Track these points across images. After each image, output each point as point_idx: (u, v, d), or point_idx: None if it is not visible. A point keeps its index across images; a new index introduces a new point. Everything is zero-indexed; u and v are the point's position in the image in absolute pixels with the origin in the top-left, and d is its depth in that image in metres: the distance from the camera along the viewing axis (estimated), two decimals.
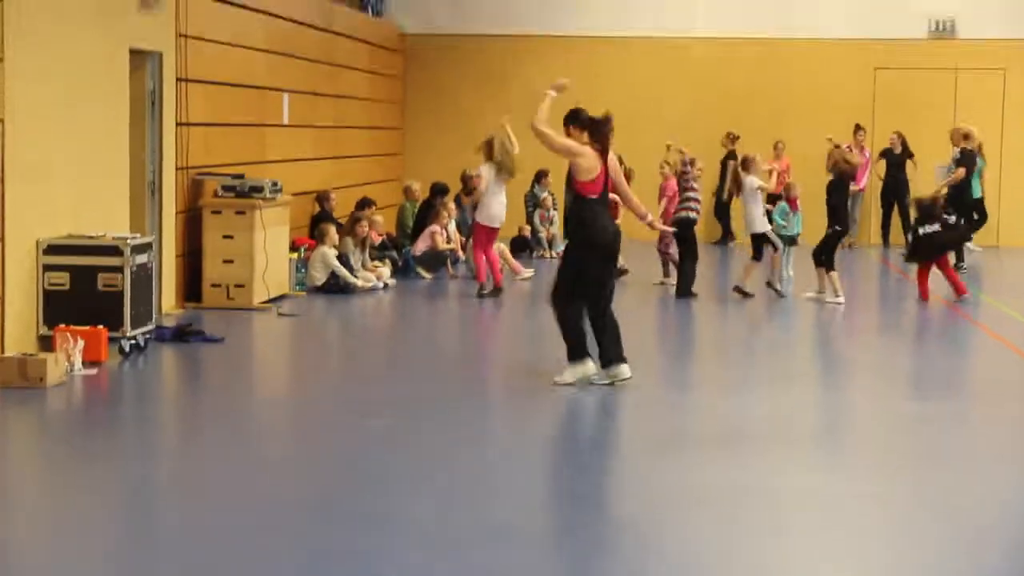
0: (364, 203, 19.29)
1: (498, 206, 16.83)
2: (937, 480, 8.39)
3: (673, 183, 17.53)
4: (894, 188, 24.15)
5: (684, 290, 16.66)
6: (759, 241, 16.94)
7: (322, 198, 18.48)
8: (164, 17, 14.28)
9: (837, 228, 16.50)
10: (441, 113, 25.44)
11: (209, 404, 10.54)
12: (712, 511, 7.51)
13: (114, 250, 11.81)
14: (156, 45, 14.20)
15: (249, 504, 7.47)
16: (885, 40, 24.73)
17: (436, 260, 18.89)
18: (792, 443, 9.36)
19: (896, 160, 24.25)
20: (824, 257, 16.47)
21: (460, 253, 19.28)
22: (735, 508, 7.54)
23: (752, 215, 17.00)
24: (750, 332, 15.09)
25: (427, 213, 20.28)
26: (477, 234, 17.05)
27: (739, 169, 17.60)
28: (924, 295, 16.48)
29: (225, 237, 15.03)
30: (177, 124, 14.68)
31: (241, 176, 15.52)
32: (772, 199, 23.90)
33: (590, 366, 10.85)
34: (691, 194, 16.94)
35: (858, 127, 24.19)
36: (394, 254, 18.64)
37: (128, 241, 11.90)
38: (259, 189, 15.19)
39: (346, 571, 6.37)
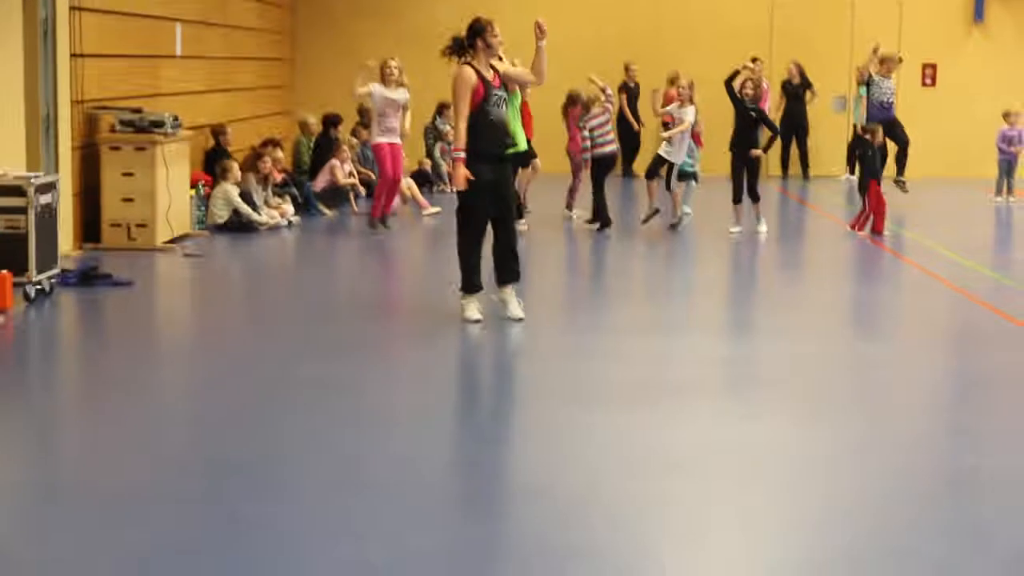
0: (270, 143, 18.48)
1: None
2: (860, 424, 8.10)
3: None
4: (794, 119, 23.97)
5: (605, 222, 16.38)
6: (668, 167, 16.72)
7: (217, 132, 17.73)
8: None
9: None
10: (331, 44, 24.68)
11: (124, 354, 9.85)
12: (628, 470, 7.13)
13: (17, 190, 11.09)
14: None
15: (157, 465, 6.92)
16: None
17: (337, 196, 18.30)
18: (722, 391, 9.01)
19: (795, 91, 24.08)
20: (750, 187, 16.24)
21: (361, 188, 18.69)
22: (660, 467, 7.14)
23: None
24: (674, 269, 14.74)
25: (324, 147, 19.66)
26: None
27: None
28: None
29: (125, 175, 14.31)
30: (72, 55, 13.89)
31: (139, 110, 14.78)
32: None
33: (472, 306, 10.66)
34: (609, 127, 16.72)
35: (754, 59, 23.88)
36: (294, 190, 17.99)
37: (32, 180, 11.18)
38: (160, 124, 14.47)
39: (254, 540, 5.85)
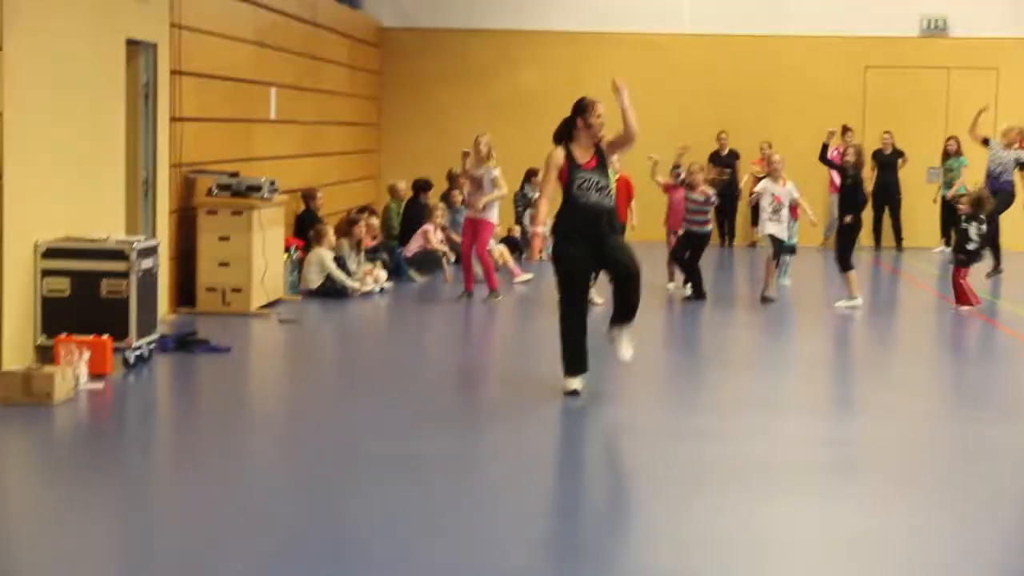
0: (364, 209, 18.41)
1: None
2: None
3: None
4: (886, 189, 23.62)
5: (699, 293, 16.13)
6: (778, 245, 16.37)
7: (307, 196, 17.63)
8: (157, 5, 13.43)
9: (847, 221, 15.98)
10: (418, 110, 24.67)
11: (224, 422, 9.66)
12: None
13: (119, 254, 10.96)
14: (150, 35, 13.33)
15: (254, 537, 6.69)
16: (876, 37, 24.20)
17: (429, 261, 18.13)
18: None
19: (887, 160, 23.72)
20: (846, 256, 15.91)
21: (451, 254, 18.50)
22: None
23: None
24: (778, 343, 14.41)
25: (414, 212, 19.56)
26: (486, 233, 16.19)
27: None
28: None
29: (221, 239, 14.21)
30: (171, 119, 13.83)
31: (236, 174, 14.70)
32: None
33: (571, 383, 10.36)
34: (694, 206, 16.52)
35: (845, 128, 23.58)
36: (384, 256, 17.83)
37: (134, 245, 11.05)
38: (256, 188, 14.38)
39: None
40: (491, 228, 16.14)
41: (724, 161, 23.34)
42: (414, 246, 18.11)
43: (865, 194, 16.77)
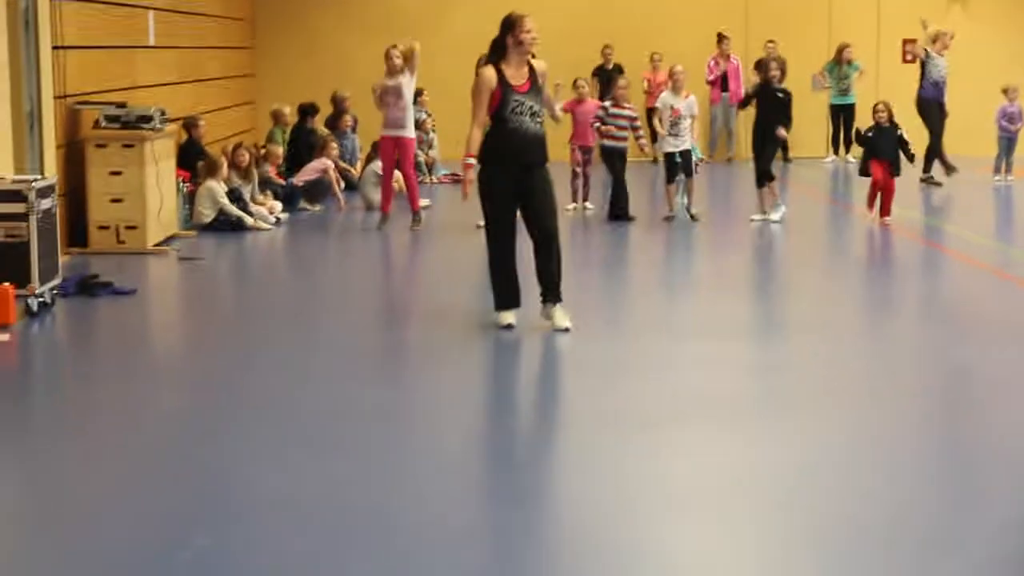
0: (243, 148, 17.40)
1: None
2: None
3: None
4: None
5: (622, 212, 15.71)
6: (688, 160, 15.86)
7: (189, 125, 16.67)
8: None
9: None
10: (294, 32, 23.75)
11: (138, 371, 8.95)
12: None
13: (16, 195, 10.16)
14: None
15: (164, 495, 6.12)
16: None
17: (320, 189, 17.38)
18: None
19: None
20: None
21: (341, 181, 17.78)
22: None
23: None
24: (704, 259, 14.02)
25: (301, 138, 18.81)
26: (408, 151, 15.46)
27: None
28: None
29: (112, 173, 13.39)
30: (53, 47, 12.92)
31: (124, 104, 13.83)
32: (652, 115, 23.01)
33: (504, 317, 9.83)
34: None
35: (721, 36, 23.20)
36: (276, 186, 17.04)
37: (32, 184, 10.25)
38: (147, 119, 13.54)
39: None
40: (413, 144, 15.48)
41: (609, 75, 22.79)
42: (306, 175, 17.34)
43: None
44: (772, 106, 15.57)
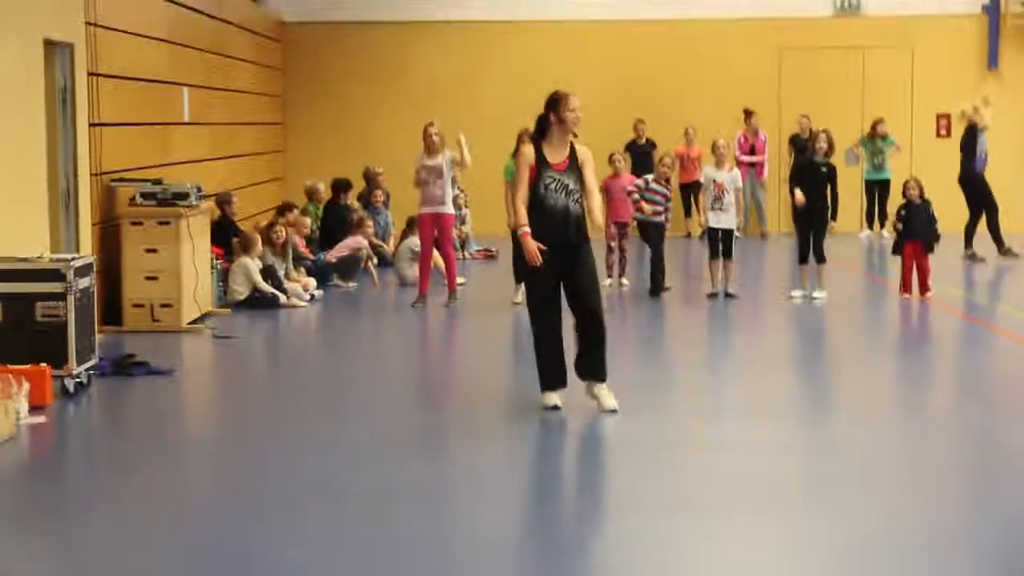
0: (285, 207, 17.36)
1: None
2: None
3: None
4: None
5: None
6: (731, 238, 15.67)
7: (223, 202, 16.61)
8: (72, 2, 12.47)
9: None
10: (324, 107, 23.76)
11: (176, 456, 8.78)
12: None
13: (55, 274, 10.03)
14: (67, 35, 12.36)
15: None
16: (790, 18, 23.79)
17: (353, 266, 17.23)
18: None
19: (803, 145, 23.24)
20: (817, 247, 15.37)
21: (374, 257, 17.66)
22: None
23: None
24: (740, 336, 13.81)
25: (334, 215, 18.70)
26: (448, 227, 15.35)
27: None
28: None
29: (148, 251, 13.28)
30: (90, 125, 12.86)
31: (159, 181, 13.75)
32: (686, 190, 22.93)
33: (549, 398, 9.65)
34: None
35: (748, 112, 23.07)
36: (307, 262, 16.94)
37: (71, 263, 10.12)
38: (183, 196, 13.44)
39: None
40: (453, 221, 15.37)
41: (642, 150, 22.72)
42: (340, 252, 17.21)
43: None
44: (818, 181, 15.38)
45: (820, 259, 15.32)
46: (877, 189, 22.85)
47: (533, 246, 9.40)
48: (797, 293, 15.40)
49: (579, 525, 7.24)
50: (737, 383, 11.16)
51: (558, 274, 9.53)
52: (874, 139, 22.80)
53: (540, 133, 9.61)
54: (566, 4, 23.79)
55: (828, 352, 13.03)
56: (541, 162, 9.52)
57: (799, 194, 15.21)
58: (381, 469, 8.10)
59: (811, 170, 15.46)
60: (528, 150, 9.59)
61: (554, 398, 9.60)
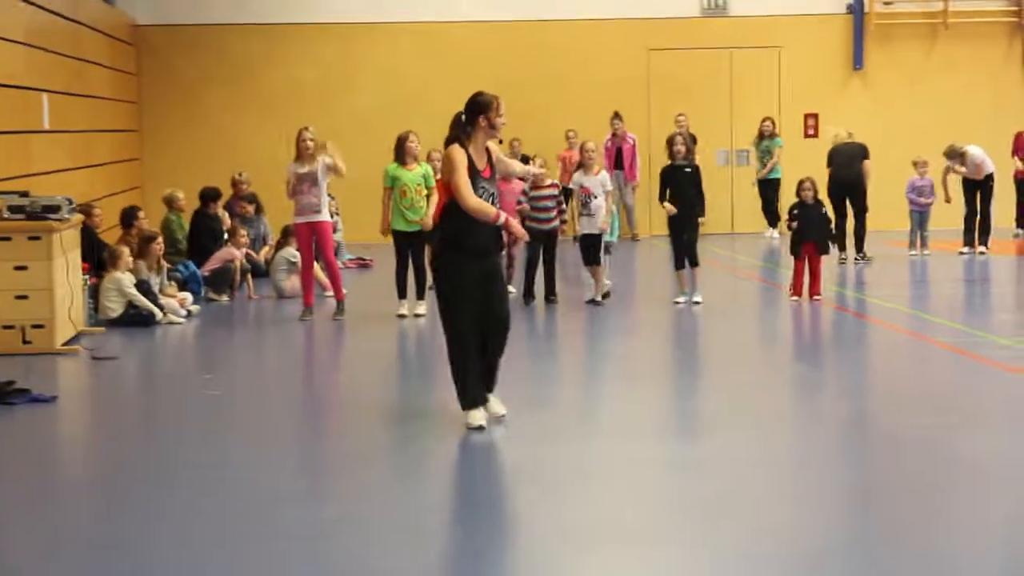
0: (131, 213, 16.40)
1: None
2: None
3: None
4: None
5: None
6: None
7: (84, 213, 15.69)
8: None
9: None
10: (182, 113, 22.87)
11: (77, 493, 8.05)
12: None
13: None
14: None
15: None
16: (658, 19, 23.54)
17: (225, 278, 16.47)
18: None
19: None
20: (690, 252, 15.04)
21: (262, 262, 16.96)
22: None
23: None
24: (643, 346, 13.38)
25: (203, 225, 17.87)
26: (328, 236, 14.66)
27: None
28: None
29: (17, 268, 12.42)
30: None
31: (27, 193, 12.90)
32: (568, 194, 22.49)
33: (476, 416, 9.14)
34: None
35: (615, 114, 22.74)
36: (177, 274, 16.13)
37: None
38: (54, 208, 12.60)
39: None
40: (331, 228, 14.67)
41: (514, 152, 22.24)
42: (213, 264, 16.44)
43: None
44: (683, 184, 15.06)
45: (694, 262, 15.05)
46: (768, 189, 22.68)
47: (519, 228, 9.34)
48: (681, 299, 15.04)
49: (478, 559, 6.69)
50: (626, 396, 10.57)
51: (477, 285, 9.04)
52: (762, 139, 22.66)
53: (463, 136, 9.02)
54: (433, 5, 23.24)
55: (718, 360, 12.46)
56: (472, 170, 8.97)
57: (669, 205, 14.92)
58: (272, 505, 7.42)
59: (674, 174, 15.15)
60: (461, 154, 8.95)
61: (480, 417, 9.07)
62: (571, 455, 8.44)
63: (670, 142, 15.39)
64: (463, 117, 9.04)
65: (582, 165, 15.40)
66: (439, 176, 13.12)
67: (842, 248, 18.53)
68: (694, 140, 17.65)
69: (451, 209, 9.05)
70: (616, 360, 12.42)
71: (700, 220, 15.20)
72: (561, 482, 7.81)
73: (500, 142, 9.25)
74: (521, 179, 14.50)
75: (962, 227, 19.67)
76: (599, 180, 15.24)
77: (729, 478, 7.85)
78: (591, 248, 15.08)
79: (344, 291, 14.89)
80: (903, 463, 8.18)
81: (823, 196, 16.09)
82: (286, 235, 16.74)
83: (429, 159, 15.45)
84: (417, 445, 8.87)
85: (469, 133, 9.00)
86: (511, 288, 15.91)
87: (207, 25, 22.88)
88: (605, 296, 15.18)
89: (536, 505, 7.44)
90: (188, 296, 15.19)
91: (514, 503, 7.70)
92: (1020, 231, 21.79)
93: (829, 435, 9.10)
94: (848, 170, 18.77)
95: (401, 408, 10.08)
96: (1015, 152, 21.55)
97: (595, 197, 15.10)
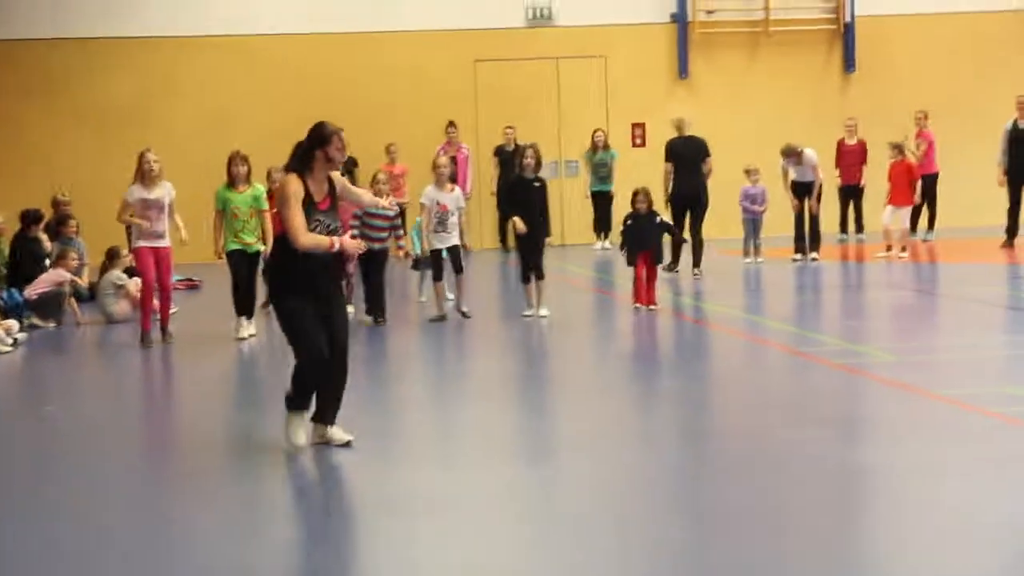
0: None
1: None
2: None
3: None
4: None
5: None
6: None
7: None
8: None
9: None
10: None
11: None
12: None
13: None
14: None
15: None
16: (484, 29, 23.44)
17: (52, 303, 15.81)
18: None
19: (508, 157, 22.89)
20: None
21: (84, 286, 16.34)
22: None
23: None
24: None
25: (24, 249, 17.15)
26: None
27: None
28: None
29: None
30: None
31: None
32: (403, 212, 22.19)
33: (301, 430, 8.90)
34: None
35: (450, 123, 22.62)
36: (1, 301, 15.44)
37: None
38: None
39: None
40: (171, 254, 14.08)
41: (344, 169, 21.83)
42: (40, 288, 15.77)
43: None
44: (532, 198, 14.91)
45: (540, 275, 14.92)
46: (602, 200, 22.68)
47: (352, 244, 8.90)
48: (529, 312, 14.88)
49: None
50: (481, 418, 10.33)
51: (320, 304, 8.74)
52: (596, 151, 22.66)
53: (302, 166, 8.68)
54: (254, 19, 22.77)
55: (576, 376, 12.26)
56: (308, 202, 8.65)
57: (519, 222, 14.78)
58: (106, 554, 6.98)
59: (523, 187, 15.00)
60: (298, 184, 8.61)
61: (304, 435, 8.78)
62: (422, 482, 8.14)
63: (521, 154, 15.26)
64: (302, 147, 8.73)
65: (436, 181, 15.16)
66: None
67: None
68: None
69: (283, 243, 8.73)
70: (470, 380, 12.18)
71: (517, 229, 14.96)
72: (412, 511, 7.51)
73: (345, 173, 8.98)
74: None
75: (793, 234, 19.88)
76: (454, 197, 15.01)
77: (593, 497, 7.68)
78: (452, 259, 14.83)
79: (172, 311, 14.39)
80: (776, 477, 8.08)
81: (664, 205, 16.11)
82: (112, 257, 16.21)
83: (269, 178, 15.07)
84: (254, 475, 8.48)
85: (308, 164, 8.68)
86: (350, 308, 15.59)
87: (21, 40, 22.08)
88: (465, 315, 14.86)
89: (383, 536, 7.14)
90: (14, 324, 14.50)
91: (362, 535, 7.40)
92: (844, 236, 22.14)
93: (699, 450, 8.96)
94: (691, 183, 18.62)
95: (237, 437, 9.67)
96: (838, 162, 21.88)
97: (452, 214, 14.86)
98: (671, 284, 17.45)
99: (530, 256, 14.97)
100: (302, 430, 8.82)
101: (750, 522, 7.13)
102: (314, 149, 8.66)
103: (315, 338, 8.69)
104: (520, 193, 15.01)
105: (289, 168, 8.75)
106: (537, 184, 14.96)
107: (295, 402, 8.83)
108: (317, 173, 8.69)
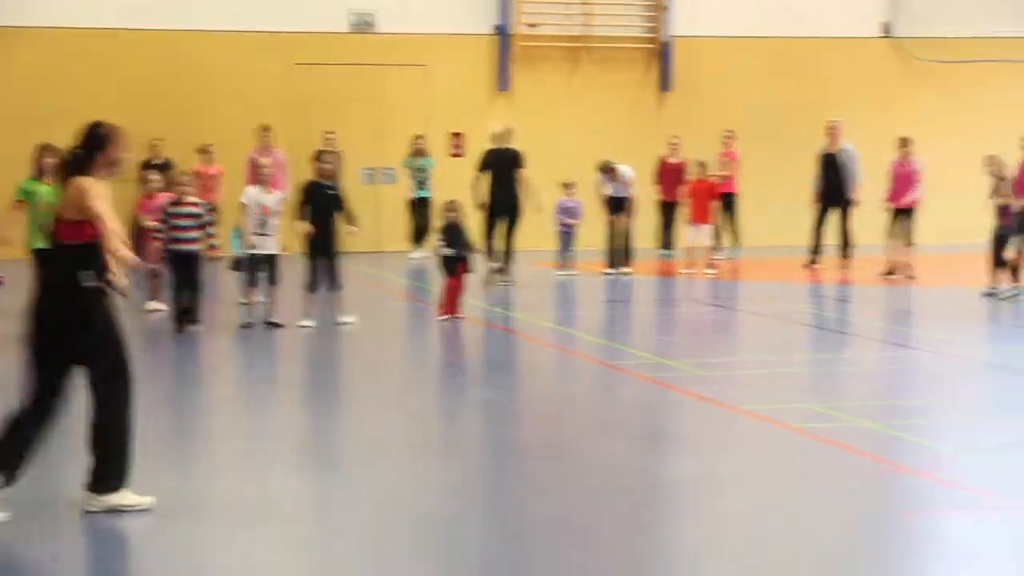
0: None
1: None
2: None
3: None
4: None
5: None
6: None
7: None
8: None
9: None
10: None
11: None
12: None
13: None
14: None
15: None
16: (304, 33, 23.29)
17: None
18: None
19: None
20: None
21: None
22: None
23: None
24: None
25: None
26: None
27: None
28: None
29: None
30: None
31: None
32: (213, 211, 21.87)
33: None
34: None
35: (266, 128, 22.39)
36: None
37: None
38: None
39: None
40: None
41: (160, 170, 21.47)
42: None
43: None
44: (326, 205, 14.85)
45: (334, 286, 14.84)
46: (420, 207, 22.68)
47: (126, 252, 7.51)
48: (307, 323, 14.69)
49: None
50: (275, 427, 10.28)
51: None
52: (417, 158, 22.68)
53: (82, 171, 7.48)
54: (75, 10, 22.32)
55: (386, 386, 12.15)
56: None
57: (304, 224, 14.71)
58: None
59: (317, 193, 14.91)
60: (96, 183, 7.49)
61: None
62: (228, 490, 8.08)
63: (319, 159, 15.23)
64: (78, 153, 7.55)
65: (258, 182, 15.00)
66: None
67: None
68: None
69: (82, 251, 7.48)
70: (269, 387, 12.10)
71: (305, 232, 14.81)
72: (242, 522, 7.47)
73: None
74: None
75: (606, 248, 20.14)
76: (275, 199, 14.87)
77: (383, 508, 7.70)
78: (270, 268, 14.68)
79: None
80: (583, 491, 8.18)
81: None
82: None
83: None
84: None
85: (86, 168, 7.50)
86: (159, 305, 15.37)
87: None
88: (249, 325, 14.67)
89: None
90: None
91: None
92: (667, 252, 22.35)
93: (518, 462, 9.05)
94: (505, 192, 18.76)
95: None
96: (659, 179, 21.95)
97: (272, 215, 14.70)
98: (482, 294, 17.50)
99: (317, 264, 14.84)
100: (130, 495, 7.67)
101: (556, 535, 7.22)
102: (93, 152, 7.54)
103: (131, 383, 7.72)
104: (314, 199, 14.86)
105: (75, 171, 7.50)
106: (331, 191, 14.88)
107: (123, 479, 7.61)
108: (98, 177, 7.53)
